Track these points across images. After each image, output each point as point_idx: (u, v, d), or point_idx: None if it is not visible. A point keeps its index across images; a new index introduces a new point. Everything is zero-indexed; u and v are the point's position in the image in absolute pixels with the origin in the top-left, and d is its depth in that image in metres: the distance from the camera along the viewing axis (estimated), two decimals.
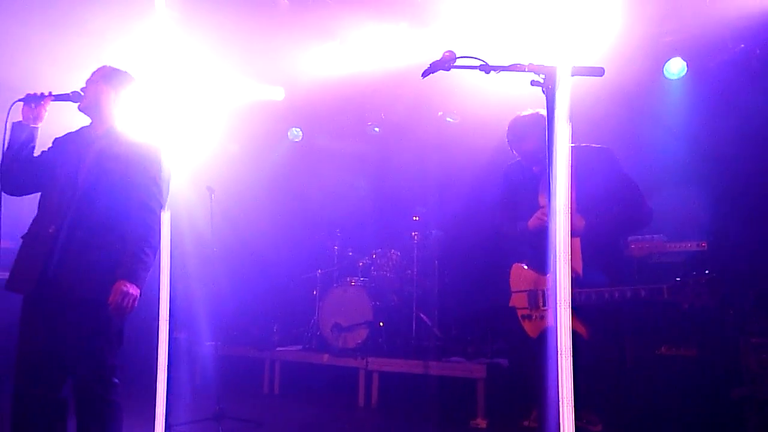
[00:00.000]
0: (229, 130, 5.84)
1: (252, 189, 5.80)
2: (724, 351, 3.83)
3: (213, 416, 4.02)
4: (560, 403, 2.02)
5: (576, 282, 2.76)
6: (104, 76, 2.64)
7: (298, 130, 6.22)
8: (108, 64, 2.71)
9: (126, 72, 2.71)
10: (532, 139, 2.98)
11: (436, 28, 5.61)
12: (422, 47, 5.69)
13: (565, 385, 2.03)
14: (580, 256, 2.83)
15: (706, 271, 2.57)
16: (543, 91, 2.20)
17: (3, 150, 2.48)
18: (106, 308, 2.34)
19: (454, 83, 5.35)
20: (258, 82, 5.91)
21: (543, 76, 2.20)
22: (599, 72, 2.23)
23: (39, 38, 4.62)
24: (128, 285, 2.36)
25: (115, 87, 2.64)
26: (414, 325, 5.17)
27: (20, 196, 2.59)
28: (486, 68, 2.39)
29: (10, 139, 2.49)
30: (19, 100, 2.49)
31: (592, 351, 2.68)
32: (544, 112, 2.13)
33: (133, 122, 2.69)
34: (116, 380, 2.43)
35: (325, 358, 5.14)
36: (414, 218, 5.56)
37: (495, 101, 4.87)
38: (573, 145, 2.97)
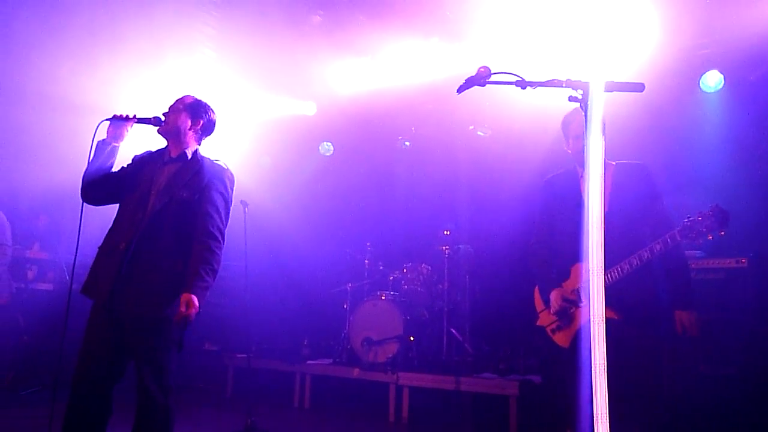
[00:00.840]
0: (263, 145, 5.94)
1: (284, 202, 5.85)
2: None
3: (244, 429, 4.04)
4: (595, 421, 1.99)
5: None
6: (186, 104, 2.81)
7: (330, 144, 6.28)
8: (191, 94, 2.88)
9: (207, 104, 2.87)
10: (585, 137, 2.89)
11: (468, 42, 5.64)
12: (453, 62, 5.72)
13: (600, 402, 2.00)
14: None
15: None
16: (581, 107, 2.18)
17: (88, 163, 2.67)
18: (167, 323, 2.50)
19: (486, 97, 5.35)
20: (290, 98, 6.02)
21: (581, 92, 2.19)
22: (639, 87, 2.21)
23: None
24: (193, 298, 2.47)
25: (193, 114, 2.80)
26: (445, 340, 5.13)
27: (98, 206, 2.78)
28: (522, 84, 2.39)
29: (94, 155, 2.68)
30: (106, 120, 2.66)
31: (626, 334, 2.62)
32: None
33: (207, 151, 2.85)
34: (173, 385, 2.57)
35: (356, 372, 5.12)
36: (444, 232, 5.53)
37: (526, 114, 4.87)
38: (611, 161, 2.96)
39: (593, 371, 1.99)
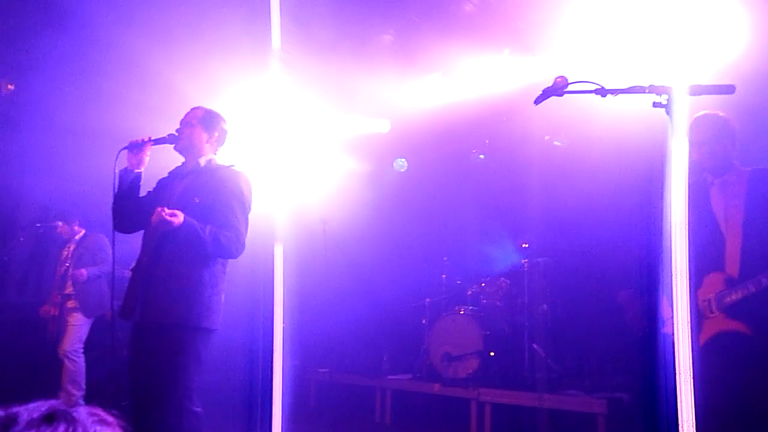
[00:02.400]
0: (339, 163, 6.03)
1: (360, 219, 5.87)
2: None
3: None
4: (680, 428, 1.90)
5: (729, 283, 2.59)
6: (198, 117, 2.83)
7: (404, 160, 6.34)
8: (202, 106, 2.89)
9: (217, 113, 2.88)
10: (711, 143, 2.74)
11: (540, 52, 5.53)
12: (525, 73, 5.63)
13: (685, 410, 1.91)
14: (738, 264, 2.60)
15: None
16: (666, 113, 2.09)
17: (114, 194, 2.74)
18: (185, 333, 2.50)
19: (562, 106, 5.22)
20: (364, 117, 6.10)
21: (666, 97, 2.09)
22: (729, 90, 2.10)
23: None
24: (182, 215, 2.46)
25: (207, 127, 2.83)
26: (526, 356, 5.00)
27: (130, 233, 2.85)
28: (602, 92, 2.32)
29: (118, 185, 2.74)
30: (124, 148, 2.71)
31: (755, 350, 2.45)
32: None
33: (223, 158, 2.87)
34: (190, 404, 2.52)
35: (436, 387, 5.07)
36: (523, 245, 5.41)
37: (605, 122, 4.68)
38: (744, 168, 2.77)
39: (678, 379, 1.92)
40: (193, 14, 4.81)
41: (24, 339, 5.55)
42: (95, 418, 0.81)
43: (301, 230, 5.05)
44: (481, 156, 6.29)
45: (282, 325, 3.56)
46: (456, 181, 6.25)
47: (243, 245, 2.66)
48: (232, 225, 2.62)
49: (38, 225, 5.61)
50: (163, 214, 2.42)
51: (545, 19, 5.16)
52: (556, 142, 5.89)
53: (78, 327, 5.03)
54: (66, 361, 4.94)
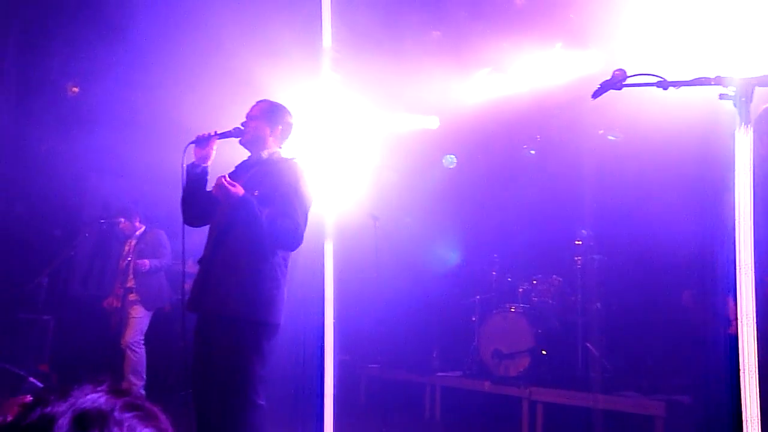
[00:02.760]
0: (388, 161, 6.00)
1: (411, 216, 5.92)
2: None
3: None
4: (745, 424, 1.83)
5: None
6: (262, 110, 2.85)
7: (453, 156, 6.28)
8: (266, 99, 2.92)
9: (283, 106, 2.90)
10: None
11: (593, 45, 5.40)
12: (578, 66, 5.50)
13: (750, 406, 1.85)
14: None
15: None
16: (734, 105, 2.01)
17: (182, 188, 2.78)
18: (246, 326, 2.51)
19: (616, 99, 5.07)
20: (413, 113, 6.09)
21: (734, 89, 2.01)
22: None
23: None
24: (240, 190, 2.49)
25: (271, 121, 2.84)
26: (579, 355, 4.90)
27: (199, 226, 2.89)
28: (664, 84, 2.25)
29: (186, 179, 2.78)
30: (191, 143, 2.75)
31: None
32: None
33: (287, 151, 2.89)
34: (255, 396, 2.54)
35: (486, 385, 5.03)
36: (576, 242, 5.29)
37: (662, 114, 4.53)
38: None
39: (742, 373, 1.86)
40: (247, 14, 4.92)
41: (89, 331, 5.81)
42: (137, 413, 0.78)
43: (351, 226, 5.03)
44: (532, 152, 6.18)
45: (332, 321, 3.64)
46: (506, 177, 6.15)
47: (300, 237, 2.65)
48: (290, 216, 2.62)
49: (102, 221, 5.86)
50: (224, 181, 2.47)
51: (599, 10, 5.03)
52: (610, 137, 5.72)
53: (139, 319, 5.24)
54: (128, 351, 5.16)
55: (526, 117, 5.90)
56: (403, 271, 5.67)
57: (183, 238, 2.72)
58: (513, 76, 5.71)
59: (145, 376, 5.19)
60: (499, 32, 5.46)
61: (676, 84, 2.21)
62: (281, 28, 4.95)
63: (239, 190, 2.47)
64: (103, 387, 0.88)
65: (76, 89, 5.83)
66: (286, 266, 2.72)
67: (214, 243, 2.69)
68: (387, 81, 5.51)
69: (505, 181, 6.16)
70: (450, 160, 6.24)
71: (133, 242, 5.51)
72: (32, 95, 5.71)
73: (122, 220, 5.51)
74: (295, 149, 3.06)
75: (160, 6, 4.80)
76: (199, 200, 2.78)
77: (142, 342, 5.25)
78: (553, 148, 6.06)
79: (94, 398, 0.83)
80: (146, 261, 5.28)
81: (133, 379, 5.10)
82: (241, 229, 2.59)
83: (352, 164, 5.29)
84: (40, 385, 2.93)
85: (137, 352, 5.17)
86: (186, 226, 2.79)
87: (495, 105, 5.68)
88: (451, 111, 5.89)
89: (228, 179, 2.50)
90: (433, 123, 6.04)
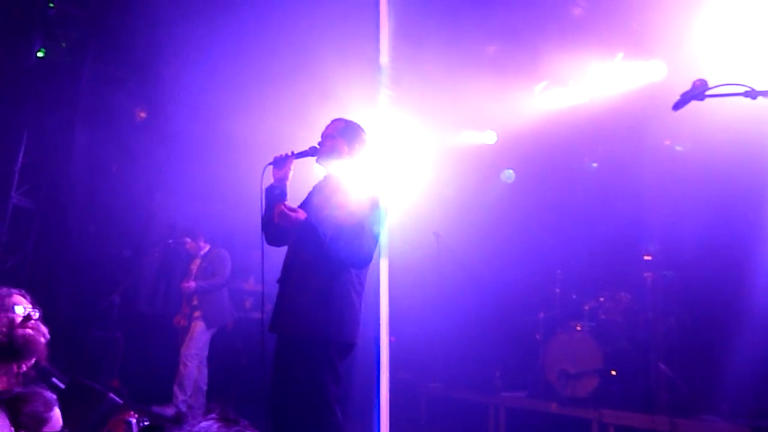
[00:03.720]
0: (446, 177, 5.97)
1: (470, 232, 5.83)
2: None
3: None
4: None
5: None
6: (338, 129, 2.86)
7: (511, 171, 6.21)
8: (342, 118, 2.93)
9: (358, 125, 2.90)
10: None
11: (656, 54, 5.25)
12: (640, 76, 5.36)
13: None
14: None
15: None
16: None
17: (262, 209, 2.80)
18: (318, 347, 2.51)
19: (683, 109, 4.88)
20: (470, 129, 6.12)
21: None
22: None
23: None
24: (298, 213, 2.51)
25: (347, 139, 2.84)
26: (652, 375, 4.68)
27: (280, 247, 2.91)
28: (752, 94, 2.15)
29: (265, 200, 2.80)
30: (269, 164, 2.77)
31: None
32: None
33: (361, 170, 2.87)
34: (330, 416, 2.54)
35: (553, 406, 4.88)
36: (645, 257, 5.08)
37: (730, 125, 4.33)
38: None
39: None
40: (306, 29, 5.00)
41: (155, 348, 5.98)
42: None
43: (412, 244, 5.13)
44: (594, 164, 6.00)
45: (389, 339, 3.57)
46: (568, 190, 6.01)
47: (367, 256, 2.63)
48: (358, 235, 2.60)
49: (170, 241, 5.97)
50: (284, 208, 2.50)
51: (662, 20, 4.89)
52: (677, 147, 5.51)
53: (198, 335, 5.33)
54: (180, 364, 5.26)
55: (586, 129, 5.77)
56: (464, 287, 5.61)
57: (262, 258, 2.73)
58: (572, 88, 5.64)
59: (189, 392, 5.22)
60: (558, 44, 5.38)
61: (766, 93, 2.11)
62: (338, 45, 4.97)
63: (300, 215, 2.50)
64: (213, 415, 0.90)
65: (144, 114, 6.02)
66: (360, 284, 2.71)
67: (288, 263, 2.73)
68: (444, 96, 5.57)
69: (566, 196, 6.01)
70: (508, 175, 6.18)
71: (198, 261, 5.61)
72: (104, 120, 5.96)
73: (188, 240, 5.62)
74: (367, 167, 3.07)
75: (226, 27, 4.97)
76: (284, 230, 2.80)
77: (196, 357, 5.29)
78: (616, 161, 5.88)
79: (206, 426, 0.85)
80: (191, 283, 5.38)
81: (177, 390, 5.17)
82: (309, 250, 2.60)
83: (410, 181, 5.36)
84: (119, 401, 3.00)
85: (187, 366, 5.23)
86: (268, 245, 2.84)
87: (554, 118, 5.60)
88: (509, 125, 5.86)
89: (287, 206, 2.53)
90: (490, 138, 6.04)
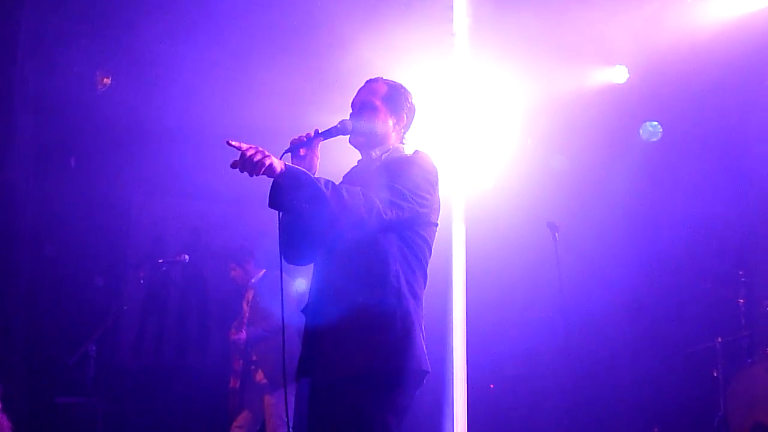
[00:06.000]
0: (552, 142, 5.57)
1: (597, 220, 5.33)
2: None
3: None
4: None
5: None
6: (380, 95, 2.68)
7: (656, 123, 5.53)
8: (381, 78, 2.73)
9: (401, 85, 2.72)
10: None
11: None
12: None
13: None
14: None
15: None
16: None
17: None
18: (373, 383, 2.33)
19: None
20: (584, 68, 5.63)
21: None
22: None
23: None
24: (273, 159, 2.18)
25: (392, 108, 2.67)
26: None
27: (303, 264, 2.84)
28: None
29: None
30: (286, 152, 2.51)
31: None
32: None
33: (411, 146, 2.74)
34: None
35: None
36: None
37: None
38: None
39: None
40: None
41: (145, 415, 5.70)
42: None
43: (520, 238, 5.19)
44: None
45: (465, 353, 4.14)
46: (739, 148, 5.29)
47: (376, 221, 2.28)
48: (393, 203, 2.33)
49: (160, 261, 5.48)
50: (233, 144, 2.19)
51: None
52: None
53: (274, 405, 4.87)
54: None
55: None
56: (592, 300, 5.19)
57: (281, 279, 2.49)
58: None
59: None
60: None
61: None
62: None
63: (275, 162, 2.17)
64: None
65: (108, 80, 5.41)
66: (420, 306, 2.53)
67: (320, 285, 2.56)
68: (547, 17, 5.01)
69: (739, 157, 5.32)
70: (652, 130, 5.52)
71: (251, 295, 5.19)
72: (55, 94, 5.39)
73: (234, 266, 5.24)
74: (421, 143, 2.91)
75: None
76: (299, 226, 2.53)
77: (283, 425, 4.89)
78: None
79: None
80: (242, 334, 5.01)
81: None
82: (362, 270, 2.41)
83: (499, 151, 5.27)
84: None
85: None
86: (287, 263, 2.60)
87: (722, 35, 4.74)
88: (647, 56, 5.27)
89: (243, 145, 2.20)
90: (619, 76, 5.59)
